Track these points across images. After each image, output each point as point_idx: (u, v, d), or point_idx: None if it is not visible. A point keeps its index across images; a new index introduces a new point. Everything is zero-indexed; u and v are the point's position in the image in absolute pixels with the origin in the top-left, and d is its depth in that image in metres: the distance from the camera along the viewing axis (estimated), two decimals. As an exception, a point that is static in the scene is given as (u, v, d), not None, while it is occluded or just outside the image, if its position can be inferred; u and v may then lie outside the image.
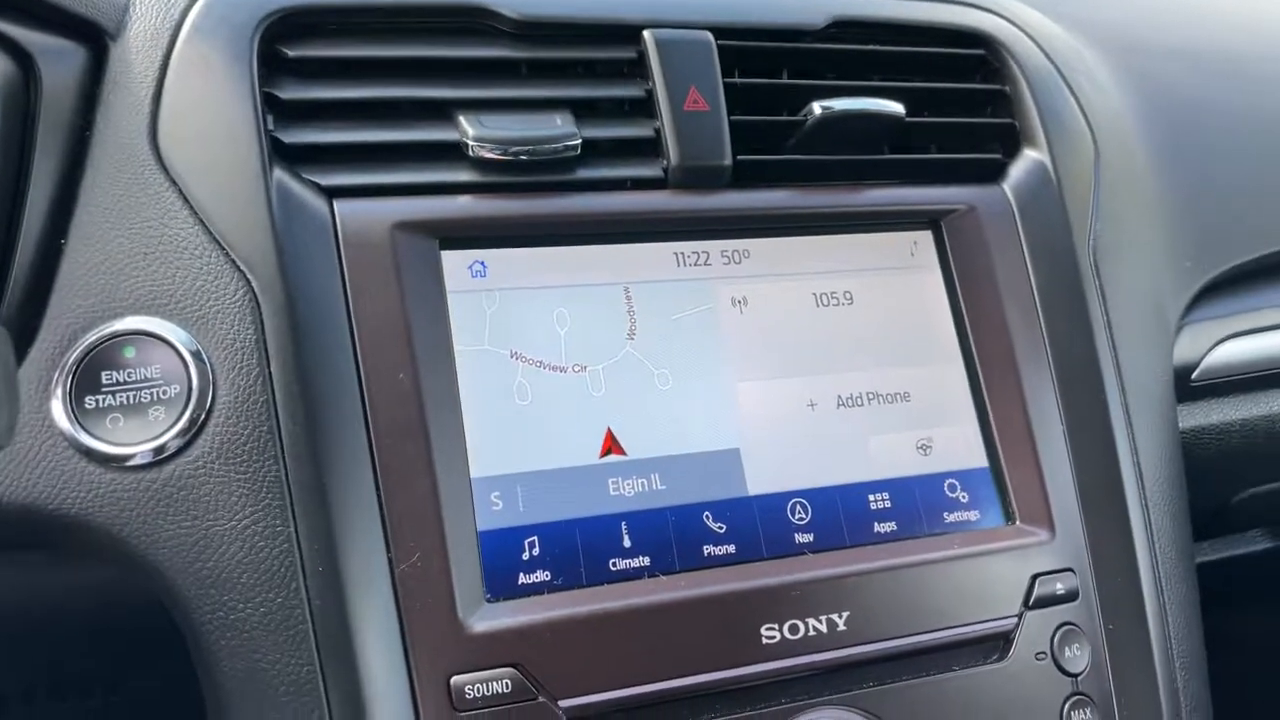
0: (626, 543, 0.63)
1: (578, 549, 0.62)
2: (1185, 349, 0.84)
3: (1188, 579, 0.74)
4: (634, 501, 0.64)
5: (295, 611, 0.54)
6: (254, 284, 0.58)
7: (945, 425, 0.72)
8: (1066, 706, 0.67)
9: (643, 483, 0.65)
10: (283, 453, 0.56)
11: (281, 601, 0.55)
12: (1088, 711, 0.67)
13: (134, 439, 0.55)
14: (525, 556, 0.61)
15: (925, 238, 0.76)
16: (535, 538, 0.62)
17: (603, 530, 0.63)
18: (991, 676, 0.65)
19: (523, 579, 0.61)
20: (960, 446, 0.72)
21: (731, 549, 0.65)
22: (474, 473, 0.61)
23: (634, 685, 0.58)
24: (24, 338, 0.55)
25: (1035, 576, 0.68)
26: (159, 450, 0.55)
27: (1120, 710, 0.68)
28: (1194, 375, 0.83)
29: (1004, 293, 0.74)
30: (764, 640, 0.61)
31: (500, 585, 0.60)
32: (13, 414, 0.35)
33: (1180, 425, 0.85)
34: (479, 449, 0.62)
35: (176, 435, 0.55)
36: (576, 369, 0.65)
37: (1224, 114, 0.90)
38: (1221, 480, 0.91)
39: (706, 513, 0.65)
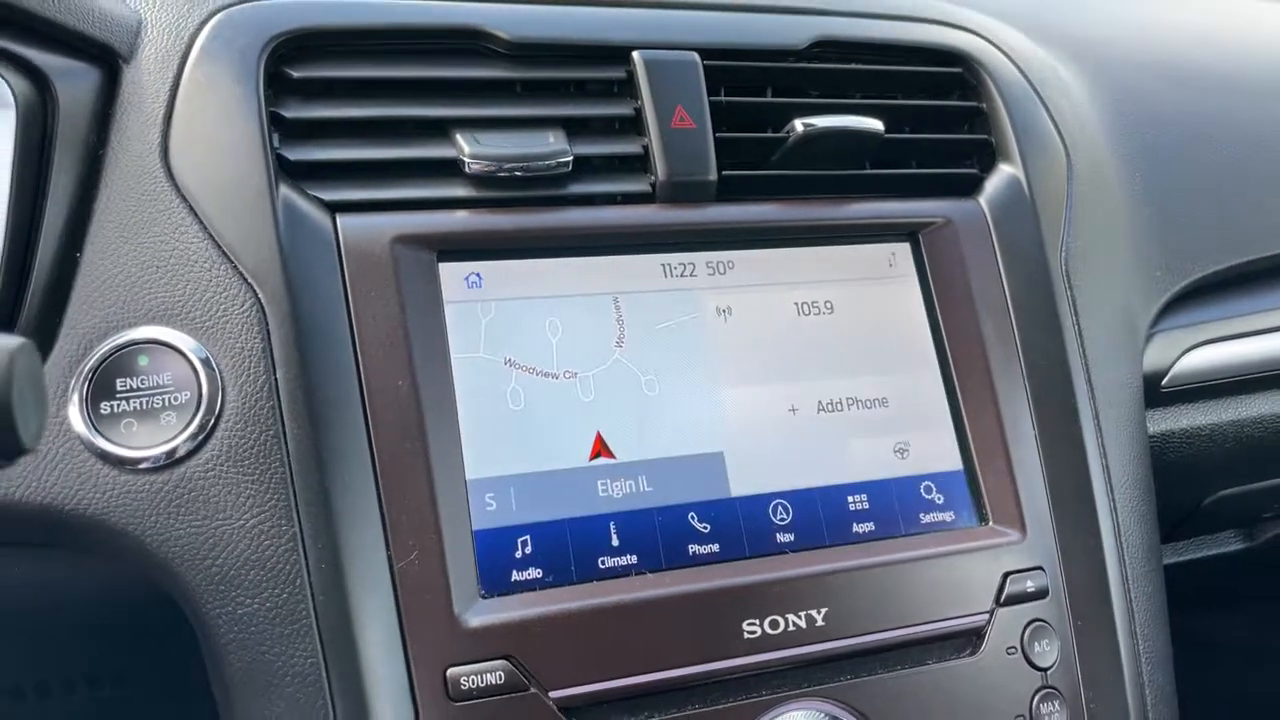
0: (615, 542, 0.66)
1: (568, 548, 0.65)
2: (1155, 356, 0.87)
3: (1154, 577, 0.77)
4: (622, 502, 0.67)
5: (300, 607, 0.57)
6: (260, 295, 0.61)
7: (922, 430, 0.75)
8: (1036, 699, 0.70)
9: (630, 484, 0.68)
10: (288, 456, 0.59)
11: (287, 597, 0.57)
12: (1056, 704, 0.70)
13: (147, 443, 0.58)
14: (518, 555, 0.64)
15: (904, 249, 0.79)
16: (528, 537, 0.65)
17: (592, 530, 0.66)
18: (964, 670, 0.68)
19: (516, 576, 0.64)
20: (936, 450, 0.75)
21: (715, 548, 0.68)
22: (469, 475, 0.64)
23: (621, 677, 0.61)
24: (42, 346, 0.58)
25: (1007, 575, 0.71)
26: (170, 454, 0.58)
27: (1088, 703, 0.71)
28: (1164, 382, 0.86)
29: (979, 302, 0.77)
30: (745, 635, 0.64)
31: (494, 582, 0.63)
32: (42, 419, 0.38)
33: (1150, 430, 0.89)
34: (474, 452, 0.65)
35: (187, 439, 0.58)
36: (567, 375, 0.68)
37: (1193, 128, 0.93)
38: (1193, 483, 0.94)
39: (691, 513, 0.68)
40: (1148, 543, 0.78)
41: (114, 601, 0.63)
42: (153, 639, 0.68)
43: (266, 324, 0.60)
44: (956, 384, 0.76)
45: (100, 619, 0.65)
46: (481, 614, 0.61)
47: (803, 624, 0.65)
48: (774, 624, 0.65)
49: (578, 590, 0.63)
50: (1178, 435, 0.90)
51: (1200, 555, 1.08)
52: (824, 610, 0.66)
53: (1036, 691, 0.70)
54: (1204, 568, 1.10)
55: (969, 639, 0.69)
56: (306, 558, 0.58)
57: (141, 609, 0.63)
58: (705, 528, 0.68)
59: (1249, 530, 1.07)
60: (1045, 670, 0.71)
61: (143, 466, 0.58)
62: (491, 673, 0.59)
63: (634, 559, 0.66)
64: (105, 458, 0.58)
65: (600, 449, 0.68)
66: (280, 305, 0.60)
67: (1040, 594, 0.72)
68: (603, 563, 0.65)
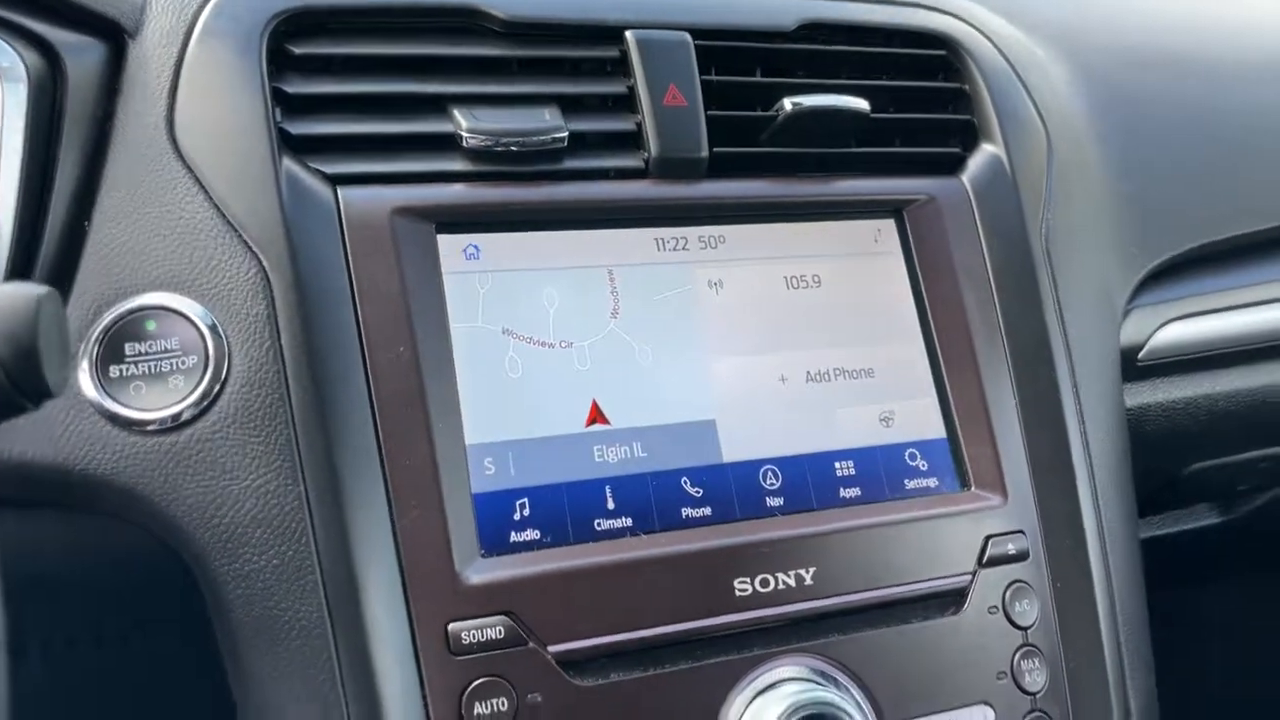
0: (610, 505, 0.68)
1: (565, 510, 0.67)
2: (1132, 331, 0.89)
3: (1131, 542, 0.80)
4: (617, 467, 0.69)
5: (305, 563, 0.59)
6: (265, 263, 0.62)
7: (906, 399, 0.78)
8: (1017, 656, 0.72)
9: (625, 450, 0.70)
10: (293, 418, 0.60)
11: (293, 554, 0.59)
12: (1036, 661, 0.72)
13: (155, 405, 0.59)
14: (516, 517, 0.66)
15: (889, 226, 0.81)
16: (526, 499, 0.67)
17: (588, 493, 0.68)
18: (947, 628, 0.71)
19: (514, 537, 0.66)
20: (920, 419, 0.77)
21: (707, 511, 0.70)
22: (469, 439, 0.66)
23: (617, 632, 0.63)
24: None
25: (988, 538, 0.73)
26: (178, 416, 0.60)
27: (1067, 660, 0.73)
28: (1140, 355, 0.88)
29: (962, 277, 0.80)
30: (737, 592, 0.67)
31: (493, 542, 0.65)
32: (66, 365, 0.40)
33: (1127, 403, 0.91)
34: (473, 418, 0.67)
35: (194, 402, 0.60)
36: (564, 345, 0.70)
37: (1171, 111, 0.96)
38: (1170, 455, 0.96)
39: (684, 478, 0.71)
40: (1125, 510, 0.81)
41: (122, 561, 0.64)
42: (160, 598, 0.69)
43: (271, 291, 0.62)
44: (940, 355, 0.78)
45: (107, 578, 0.66)
46: (482, 572, 0.63)
47: (792, 582, 0.68)
48: (764, 582, 0.67)
49: (574, 550, 0.65)
50: (1155, 408, 0.92)
51: (1178, 529, 1.10)
52: (812, 570, 0.68)
53: (1017, 649, 0.72)
54: (1182, 543, 1.13)
55: (952, 599, 0.72)
56: (312, 517, 0.60)
57: (148, 569, 0.64)
58: (698, 492, 0.70)
59: (1225, 504, 1.10)
60: (1026, 629, 0.73)
61: (151, 428, 0.59)
62: (492, 628, 0.61)
63: (629, 521, 0.68)
64: (114, 420, 0.59)
65: (596, 416, 0.70)
66: (284, 273, 0.62)
67: (1021, 556, 0.74)
68: (598, 525, 0.67)
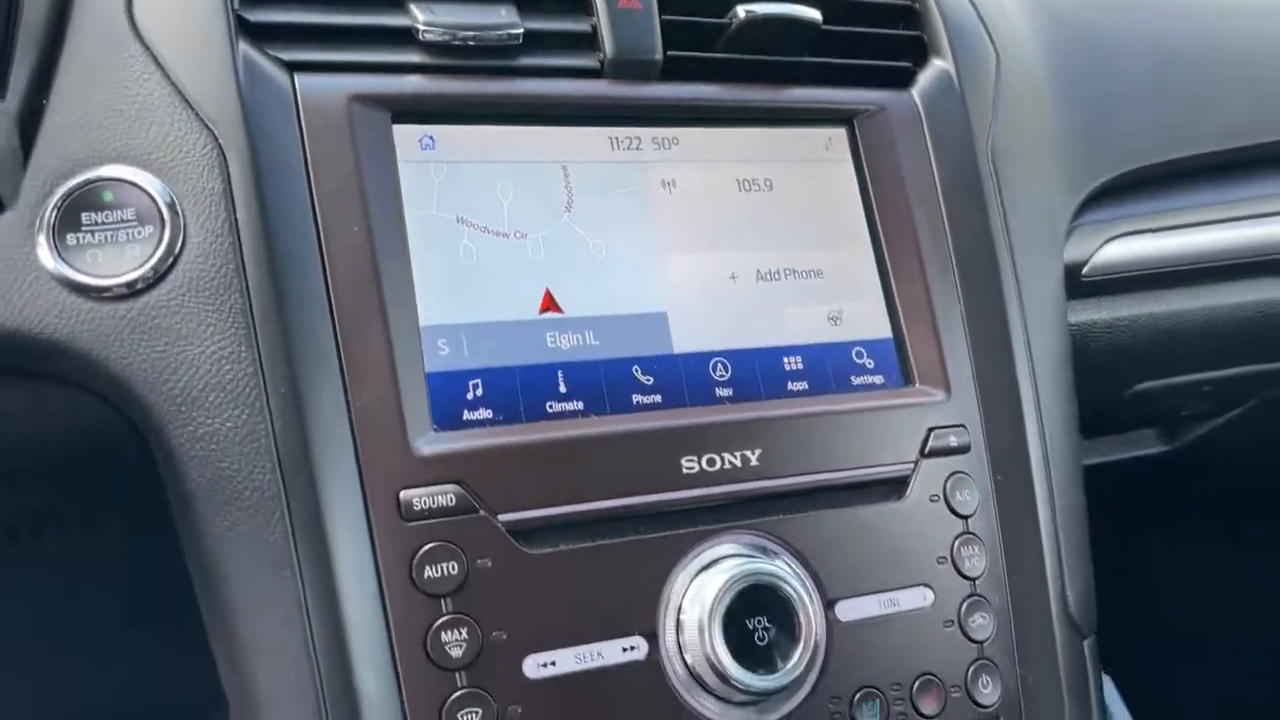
0: (562, 389, 0.70)
1: (517, 392, 0.69)
2: (1077, 247, 0.92)
3: (1071, 441, 0.82)
4: (569, 354, 0.71)
5: (259, 427, 0.61)
6: (220, 140, 0.63)
7: (854, 300, 0.80)
8: (956, 543, 0.74)
9: (578, 338, 0.72)
10: (247, 290, 0.62)
11: (246, 418, 0.61)
12: (975, 549, 0.75)
13: (111, 272, 0.61)
14: (469, 396, 0.68)
15: (840, 135, 0.83)
16: (479, 380, 0.68)
17: (541, 377, 0.70)
18: (889, 513, 0.73)
19: (467, 415, 0.67)
20: (867, 319, 0.80)
21: (658, 399, 0.72)
22: (423, 321, 0.67)
23: (565, 504, 0.65)
24: (12, 185, 0.60)
25: (931, 430, 0.76)
26: (133, 284, 0.61)
27: (1006, 549, 0.76)
28: (1084, 271, 0.91)
29: (909, 186, 0.82)
30: (684, 470, 0.68)
31: (446, 419, 0.66)
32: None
33: (1073, 319, 0.94)
34: (427, 300, 0.68)
35: (150, 270, 0.61)
36: (518, 235, 0.72)
37: (1121, 35, 0.98)
38: (1113, 374, 0.99)
39: (635, 366, 0.72)
40: (1066, 410, 0.83)
41: (80, 440, 0.65)
42: (118, 484, 0.70)
43: (227, 167, 0.63)
44: (887, 259, 0.81)
45: (67, 460, 0.67)
46: (434, 444, 0.64)
47: (738, 463, 0.70)
48: (710, 461, 0.69)
49: (526, 428, 0.67)
50: (1099, 326, 0.95)
51: (1123, 457, 1.13)
52: (758, 451, 0.70)
53: (957, 536, 0.75)
54: (1126, 472, 1.16)
55: (894, 486, 0.74)
56: (265, 383, 0.61)
57: (107, 449, 0.65)
58: (648, 380, 0.72)
59: (1169, 431, 1.13)
60: (966, 518, 0.75)
61: (107, 295, 0.60)
62: (443, 495, 0.62)
63: (580, 405, 0.70)
64: (71, 286, 0.60)
65: (549, 304, 0.72)
66: (240, 150, 0.63)
67: (962, 449, 0.76)
68: (550, 407, 0.69)
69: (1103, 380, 1.00)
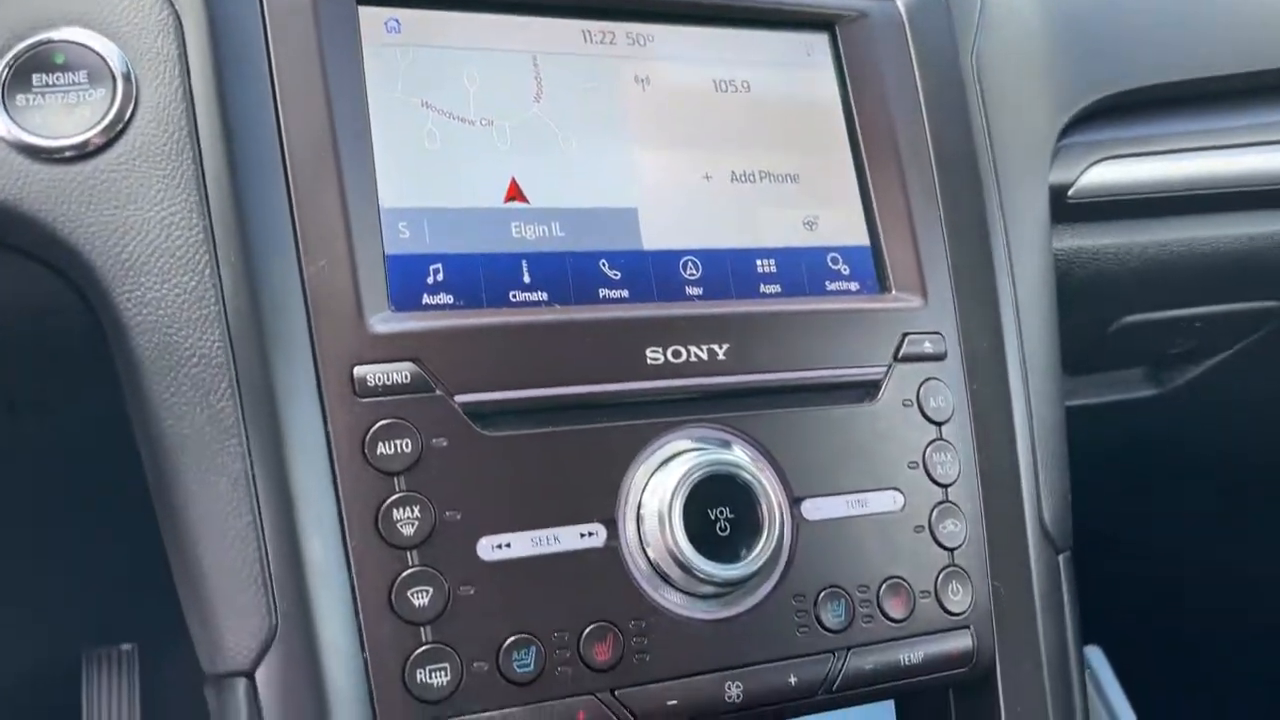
0: (526, 279, 0.68)
1: (479, 279, 0.67)
2: (1063, 171, 0.90)
3: (1051, 356, 0.80)
4: (535, 244, 0.69)
5: (207, 294, 0.59)
6: (178, 8, 0.62)
7: (831, 206, 0.78)
8: (929, 449, 0.73)
9: (543, 229, 0.70)
10: (199, 156, 0.60)
11: (194, 285, 0.59)
12: (948, 455, 0.73)
13: (62, 134, 0.59)
14: (429, 280, 0.66)
15: (821, 41, 0.81)
16: (440, 265, 0.67)
17: (504, 266, 0.68)
18: (860, 415, 0.71)
19: (426, 299, 0.65)
20: (844, 225, 0.78)
21: (625, 294, 0.70)
22: (383, 203, 0.66)
23: (525, 388, 0.64)
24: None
25: (905, 335, 0.74)
26: (84, 145, 0.59)
27: (980, 457, 0.74)
28: (1071, 193, 0.89)
29: (891, 94, 0.80)
30: (648, 360, 0.67)
31: (404, 302, 0.65)
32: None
33: (1059, 244, 0.92)
34: (388, 183, 0.66)
35: (101, 132, 0.59)
36: (484, 123, 0.70)
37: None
38: (1099, 305, 0.97)
39: (603, 260, 0.71)
40: (1046, 328, 0.81)
41: (24, 312, 0.64)
42: (69, 364, 0.69)
43: (183, 33, 0.61)
44: (866, 166, 0.79)
45: (13, 336, 0.66)
46: (389, 322, 0.62)
47: (704, 355, 0.68)
48: (676, 353, 0.67)
49: (486, 312, 0.66)
50: (1085, 253, 0.93)
51: (1111, 399, 1.11)
52: (725, 346, 0.69)
53: (930, 442, 0.73)
54: (1114, 413, 1.14)
55: (866, 389, 0.72)
56: (215, 251, 0.59)
57: (55, 327, 0.64)
58: (616, 275, 0.71)
59: (1158, 374, 1.11)
60: (939, 424, 0.74)
61: (56, 156, 0.59)
62: (398, 372, 0.61)
63: (544, 296, 0.68)
64: (20, 148, 0.59)
65: (515, 194, 0.70)
66: (197, 20, 0.62)
67: (937, 356, 0.75)
68: (513, 296, 0.67)
69: (1088, 311, 0.98)
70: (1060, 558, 0.76)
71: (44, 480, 0.85)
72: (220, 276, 0.59)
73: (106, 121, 0.59)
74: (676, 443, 0.66)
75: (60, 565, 1.04)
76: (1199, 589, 1.54)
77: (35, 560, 1.01)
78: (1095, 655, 1.65)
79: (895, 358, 0.73)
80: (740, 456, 0.66)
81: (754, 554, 0.64)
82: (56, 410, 0.73)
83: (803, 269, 0.76)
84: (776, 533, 0.65)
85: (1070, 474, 0.81)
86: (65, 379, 0.70)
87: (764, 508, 0.65)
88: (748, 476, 0.65)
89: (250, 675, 0.57)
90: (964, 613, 0.71)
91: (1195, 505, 1.41)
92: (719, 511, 0.64)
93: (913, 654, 0.69)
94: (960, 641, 0.71)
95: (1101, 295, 0.96)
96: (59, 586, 1.10)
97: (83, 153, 0.59)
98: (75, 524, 0.93)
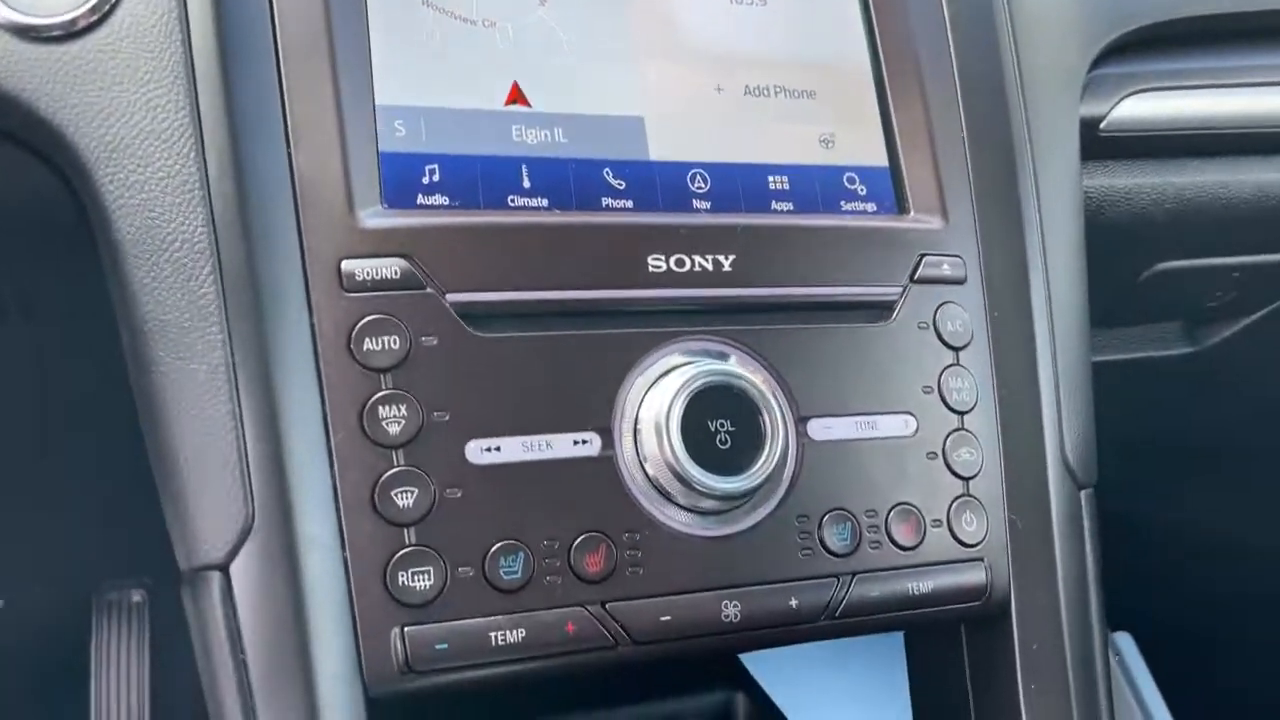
0: (526, 183, 0.66)
1: (477, 181, 0.65)
2: (1095, 104, 0.86)
3: (1078, 289, 0.77)
4: (536, 149, 0.67)
5: (191, 178, 0.57)
6: None
7: (849, 124, 0.75)
8: (945, 374, 0.69)
9: (545, 134, 0.67)
10: (188, 39, 0.58)
11: (179, 169, 0.57)
12: (965, 381, 0.70)
13: (50, 12, 0.57)
14: (425, 180, 0.64)
15: (842, -44, 0.78)
16: (436, 166, 0.64)
17: (503, 169, 0.66)
18: (872, 335, 0.68)
19: (421, 199, 0.63)
20: (862, 145, 0.75)
21: (629, 204, 0.67)
22: (379, 100, 0.63)
23: (520, 290, 0.61)
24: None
25: (923, 255, 0.71)
26: (71, 24, 0.57)
27: (999, 385, 0.71)
28: (1103, 126, 0.85)
29: (915, 12, 0.77)
30: (650, 268, 0.64)
31: (398, 200, 0.62)
32: None
33: (1089, 183, 0.89)
34: (385, 79, 0.64)
35: (89, 11, 0.57)
36: (486, 23, 0.68)
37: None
38: (1130, 249, 0.93)
39: (607, 169, 0.68)
40: (1074, 260, 0.78)
41: (9, 202, 0.62)
42: (59, 265, 0.67)
43: None
44: (887, 85, 0.75)
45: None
46: (382, 218, 0.60)
47: (709, 266, 0.65)
48: (680, 262, 0.65)
49: (483, 212, 0.63)
50: (1118, 192, 0.89)
51: (1143, 355, 1.07)
52: (731, 258, 0.66)
53: (946, 368, 0.70)
54: (1146, 374, 1.10)
55: (880, 310, 0.69)
56: (201, 134, 0.58)
57: (42, 223, 0.63)
58: (620, 184, 0.68)
59: (1193, 329, 1.07)
60: (957, 349, 0.70)
61: (44, 35, 0.57)
62: (388, 268, 0.59)
63: (544, 202, 0.66)
64: (7, 26, 0.57)
65: (516, 97, 0.67)
66: None
67: (956, 280, 0.71)
68: (512, 200, 0.65)
69: (1119, 256, 0.94)
70: (1082, 493, 0.73)
71: (47, 402, 0.84)
72: (205, 161, 0.57)
73: (95, 1, 0.58)
74: (677, 355, 0.64)
75: (69, 501, 1.04)
76: (1231, 574, 1.49)
77: (42, 494, 1.01)
78: (1125, 642, 1.60)
79: (911, 279, 0.70)
80: (745, 371, 0.63)
81: (755, 468, 0.61)
82: (49, 319, 0.71)
83: (817, 187, 0.73)
84: (780, 448, 0.62)
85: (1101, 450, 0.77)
86: (56, 279, 0.69)
87: (766, 420, 0.62)
88: (749, 388, 0.62)
89: (225, 569, 0.55)
90: (978, 544, 0.68)
91: (1230, 481, 1.36)
92: (719, 424, 0.61)
93: (922, 584, 0.66)
94: (973, 574, 0.68)
95: (1134, 239, 0.92)
96: (67, 524, 1.09)
97: (70, 32, 0.57)
98: (81, 454, 0.92)
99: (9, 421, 0.84)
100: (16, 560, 1.14)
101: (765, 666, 1.00)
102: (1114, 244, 0.91)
